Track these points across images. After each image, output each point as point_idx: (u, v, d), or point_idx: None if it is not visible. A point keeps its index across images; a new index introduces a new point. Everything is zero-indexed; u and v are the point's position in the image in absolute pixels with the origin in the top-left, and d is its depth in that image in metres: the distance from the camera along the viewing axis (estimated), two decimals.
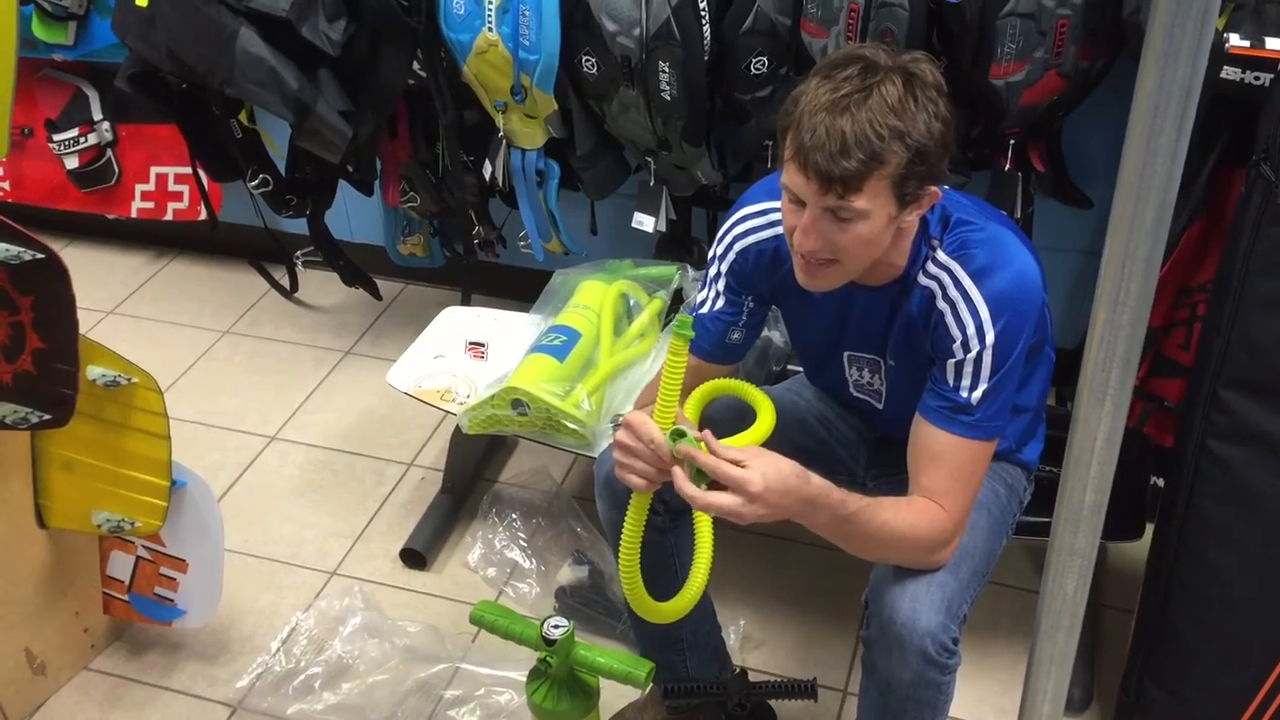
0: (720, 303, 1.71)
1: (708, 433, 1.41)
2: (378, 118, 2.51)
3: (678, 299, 2.37)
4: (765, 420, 1.49)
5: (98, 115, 3.13)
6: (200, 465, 2.11)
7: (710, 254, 1.72)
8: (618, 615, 2.21)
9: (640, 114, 2.26)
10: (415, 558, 2.41)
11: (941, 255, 1.52)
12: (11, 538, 2.03)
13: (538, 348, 2.22)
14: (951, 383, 1.51)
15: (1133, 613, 1.94)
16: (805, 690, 1.86)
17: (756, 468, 1.37)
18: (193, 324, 3.19)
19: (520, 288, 2.73)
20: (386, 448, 2.74)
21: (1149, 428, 2.19)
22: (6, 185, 3.30)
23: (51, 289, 1.77)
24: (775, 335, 2.21)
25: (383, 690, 2.12)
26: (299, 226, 2.95)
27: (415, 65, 2.43)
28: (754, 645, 2.21)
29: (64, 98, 3.13)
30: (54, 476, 2.02)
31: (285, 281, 3.22)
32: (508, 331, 2.43)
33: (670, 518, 1.75)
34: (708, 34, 2.13)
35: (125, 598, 2.19)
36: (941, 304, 1.52)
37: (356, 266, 3.02)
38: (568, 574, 2.34)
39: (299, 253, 3.11)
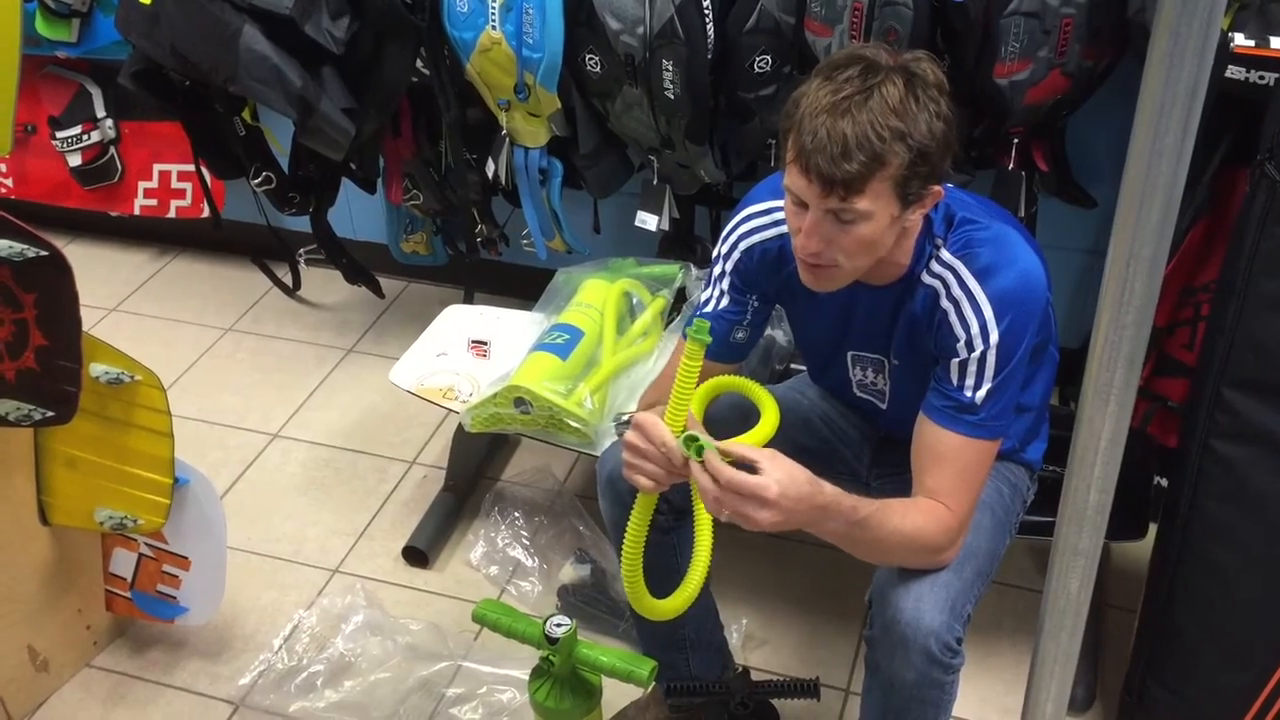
0: (724, 302, 1.71)
1: (736, 445, 1.40)
2: (381, 116, 2.52)
3: (681, 298, 2.37)
4: (769, 419, 1.49)
5: (101, 112, 3.13)
6: (203, 463, 2.11)
7: (714, 253, 1.72)
8: (620, 614, 2.21)
9: (644, 112, 2.26)
10: (417, 556, 2.41)
11: (945, 254, 1.52)
12: (14, 535, 2.03)
13: (540, 346, 2.22)
14: (955, 382, 1.51)
15: (1136, 612, 1.93)
16: (807, 689, 1.86)
17: (771, 473, 1.37)
18: (195, 321, 3.20)
19: (523, 286, 2.74)
20: (389, 446, 2.74)
21: (1153, 427, 2.18)
22: (10, 182, 3.31)
23: (54, 286, 1.77)
24: (778, 334, 2.21)
25: (385, 688, 2.12)
26: (302, 224, 2.95)
27: (419, 63, 2.43)
28: (756, 644, 2.21)
29: (67, 95, 3.13)
30: (57, 474, 2.03)
31: (288, 279, 3.22)
32: (510, 330, 2.43)
33: (673, 517, 1.75)
34: (711, 32, 2.13)
35: (128, 595, 2.19)
36: (945, 303, 1.51)
37: (359, 264, 3.02)
38: (570, 572, 2.34)
39: (302, 250, 3.12)
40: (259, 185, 2.75)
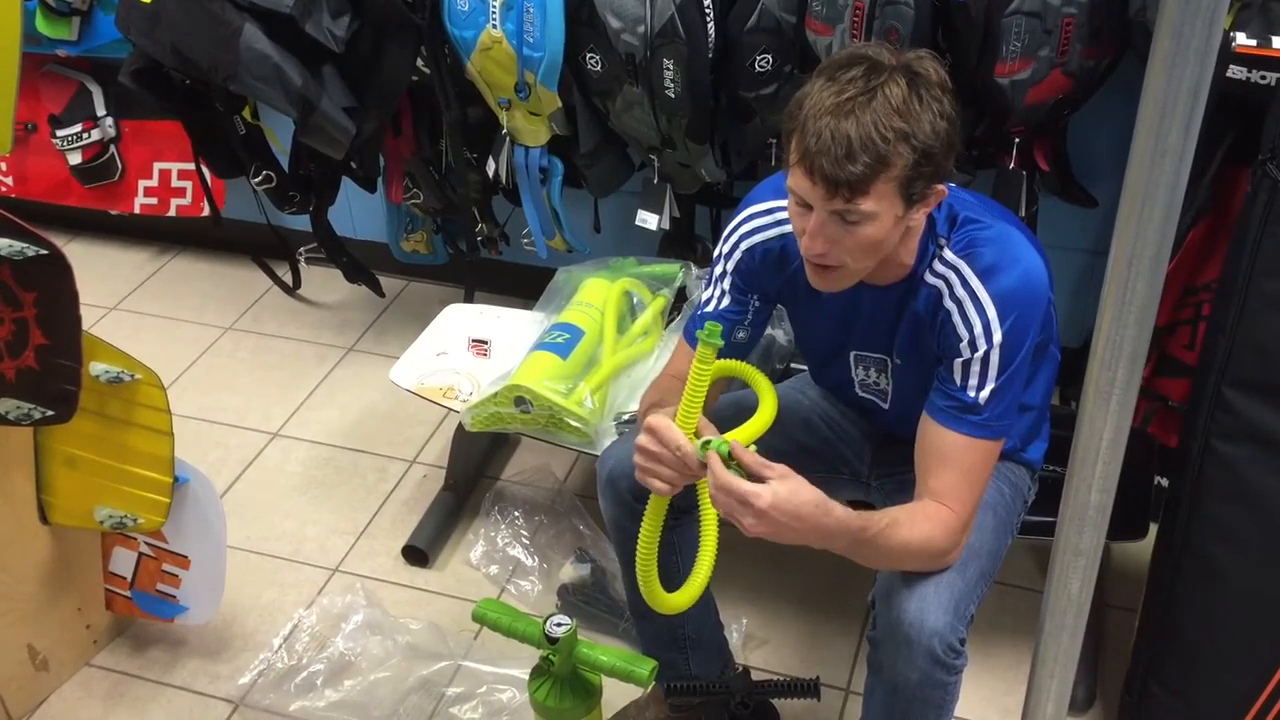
0: (726, 301, 1.71)
1: (751, 454, 1.41)
2: (381, 114, 2.51)
3: (681, 297, 2.37)
4: (765, 409, 1.50)
5: (101, 111, 3.13)
6: (203, 462, 2.11)
7: (716, 252, 1.72)
8: (620, 613, 2.21)
9: (644, 111, 2.26)
10: (417, 555, 2.41)
11: (949, 254, 1.52)
12: (14, 534, 2.03)
13: (541, 345, 2.22)
14: (959, 382, 1.51)
15: (1136, 612, 1.93)
16: (808, 689, 1.86)
17: (770, 486, 1.38)
18: (196, 320, 3.19)
19: (523, 285, 2.73)
20: (389, 445, 2.74)
21: (1153, 427, 2.18)
22: (10, 181, 3.30)
23: (55, 285, 1.77)
24: (779, 334, 2.20)
25: (385, 687, 2.12)
26: (302, 223, 2.95)
27: (419, 62, 2.43)
28: (757, 644, 2.21)
29: (68, 93, 3.13)
30: (57, 472, 2.02)
31: (288, 278, 3.21)
32: (511, 329, 2.43)
33: (673, 516, 1.75)
34: (712, 31, 2.13)
35: (127, 594, 2.19)
36: (948, 303, 1.51)
37: (359, 263, 3.02)
38: (570, 572, 2.34)
39: (302, 249, 3.11)
40: (259, 184, 2.75)
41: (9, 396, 1.85)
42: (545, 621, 1.79)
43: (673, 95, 2.19)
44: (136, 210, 3.26)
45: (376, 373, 2.83)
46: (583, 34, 2.24)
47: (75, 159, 3.16)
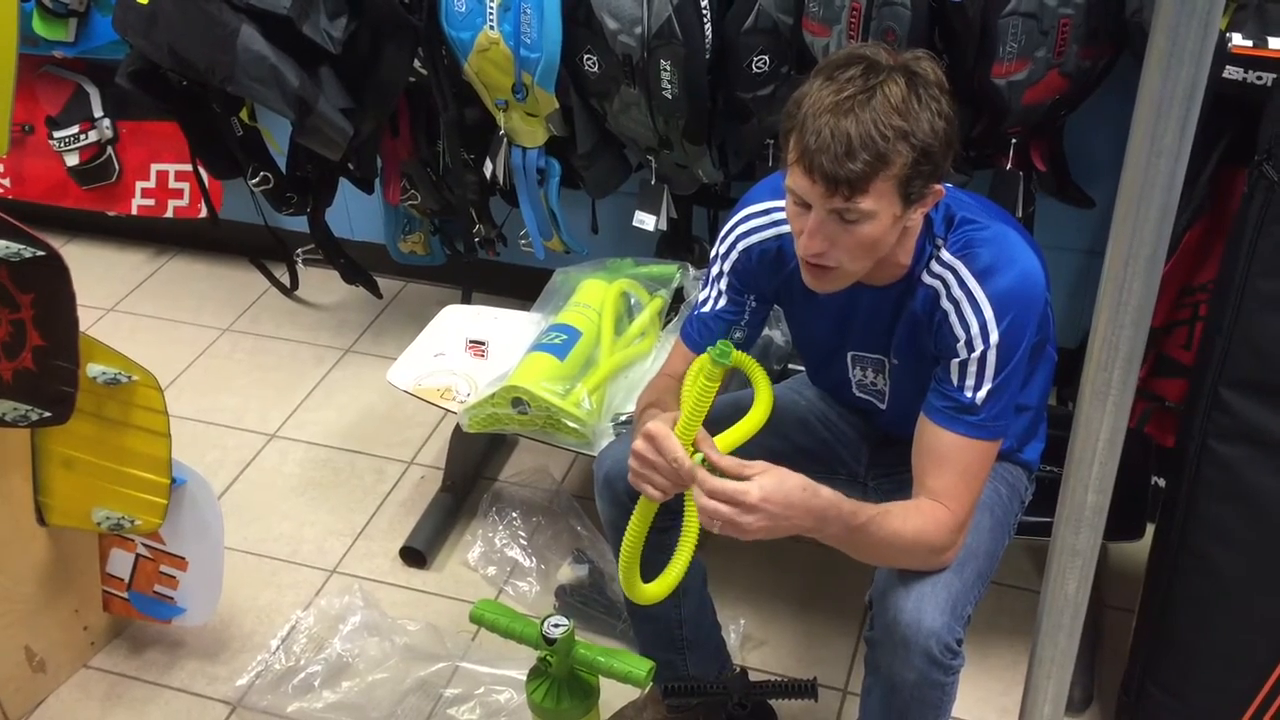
0: (722, 301, 1.71)
1: (727, 459, 1.42)
2: (379, 115, 2.51)
3: (678, 297, 2.37)
4: (761, 404, 1.51)
5: (98, 112, 3.13)
6: (200, 463, 2.11)
7: (713, 253, 1.72)
8: (618, 614, 2.21)
9: (641, 112, 2.26)
10: (415, 556, 2.40)
11: (946, 254, 1.52)
12: (11, 535, 2.03)
13: (538, 346, 2.22)
14: (956, 382, 1.51)
15: (1133, 613, 1.94)
16: (805, 690, 1.86)
17: (756, 481, 1.38)
18: (193, 321, 3.19)
19: (521, 286, 2.73)
20: (387, 446, 2.74)
21: (1150, 428, 2.18)
22: (7, 182, 3.30)
23: (52, 286, 1.77)
24: (776, 334, 2.20)
25: (383, 689, 2.12)
26: (299, 224, 2.95)
27: (416, 63, 2.43)
28: (754, 644, 2.21)
29: (65, 95, 3.13)
30: (54, 474, 2.02)
31: (286, 279, 3.21)
32: (508, 330, 2.43)
33: (669, 517, 1.75)
34: (709, 32, 2.13)
35: (125, 595, 2.19)
36: (945, 303, 1.51)
37: (357, 264, 3.02)
38: (568, 573, 2.34)
39: (299, 250, 3.11)
40: (256, 185, 2.75)
41: (6, 398, 1.85)
42: (543, 622, 1.79)
43: (670, 96, 2.19)
44: (134, 211, 3.26)
45: (374, 374, 2.83)
46: (580, 35, 2.24)
47: (72, 160, 3.15)
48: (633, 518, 1.52)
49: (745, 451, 1.48)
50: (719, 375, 1.42)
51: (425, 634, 2.20)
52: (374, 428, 2.79)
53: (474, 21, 2.29)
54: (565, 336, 2.21)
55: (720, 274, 1.70)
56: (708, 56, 2.15)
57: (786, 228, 1.54)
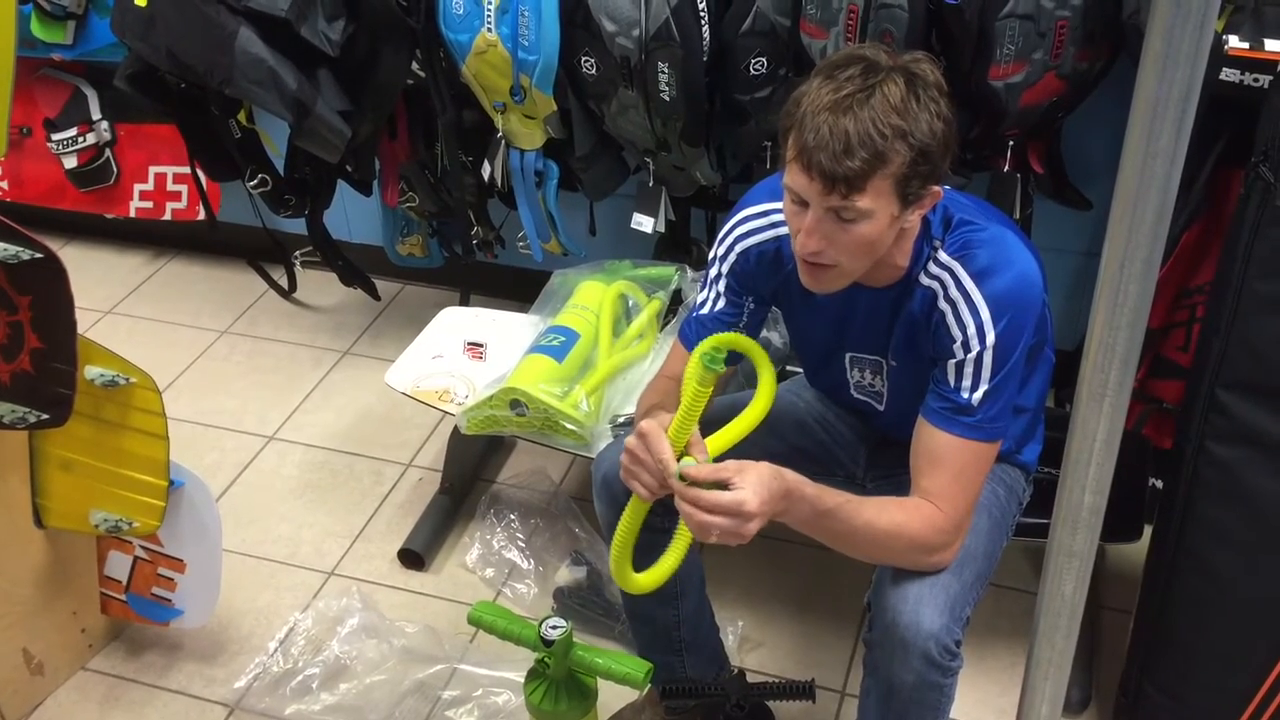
0: (721, 303, 1.71)
1: (705, 468, 1.43)
2: (377, 118, 2.52)
3: (676, 300, 2.37)
4: (762, 396, 1.51)
5: (96, 115, 3.13)
6: (198, 465, 2.11)
7: (711, 254, 1.72)
8: (616, 616, 2.21)
9: (639, 115, 2.26)
10: (413, 558, 2.40)
11: (943, 256, 1.52)
12: (9, 538, 2.02)
13: (536, 348, 2.22)
14: (952, 383, 1.51)
15: (1131, 614, 1.94)
16: (803, 691, 1.86)
17: (745, 485, 1.38)
18: (191, 324, 3.19)
19: (519, 288, 2.74)
20: (385, 448, 2.74)
21: (1148, 429, 2.19)
22: (5, 185, 3.30)
23: (50, 288, 1.77)
24: (774, 336, 2.20)
25: (380, 691, 2.12)
26: (297, 226, 2.95)
27: (414, 65, 2.43)
28: (752, 646, 2.21)
29: (63, 97, 3.13)
30: (52, 476, 2.02)
31: (284, 281, 3.21)
32: (506, 332, 2.43)
33: (666, 518, 1.75)
34: (707, 35, 2.13)
35: (123, 598, 2.19)
36: (943, 304, 1.52)
37: (355, 266, 3.02)
38: (566, 574, 2.34)
39: (297, 253, 3.11)
40: (254, 187, 2.75)
41: (4, 400, 1.85)
42: (541, 624, 1.78)
43: (668, 98, 2.19)
44: (132, 214, 3.26)
45: (372, 376, 2.83)
46: (578, 37, 2.24)
47: (70, 163, 3.15)
48: (625, 510, 1.52)
49: (743, 451, 1.48)
50: (711, 380, 1.42)
51: (423, 636, 2.20)
52: (372, 430, 2.79)
53: (472, 24, 2.29)
54: (563, 338, 2.21)
55: (718, 276, 1.70)
56: (705, 59, 2.15)
57: (785, 229, 1.54)
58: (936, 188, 1.45)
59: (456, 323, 2.51)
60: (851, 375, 1.75)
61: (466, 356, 2.40)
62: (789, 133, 1.40)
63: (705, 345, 1.42)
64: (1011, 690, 1.71)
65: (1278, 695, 1.78)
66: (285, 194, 2.78)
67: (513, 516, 2.46)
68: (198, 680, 2.20)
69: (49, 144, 3.13)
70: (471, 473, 2.61)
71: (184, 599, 2.14)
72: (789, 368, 2.21)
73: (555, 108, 2.37)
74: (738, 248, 1.68)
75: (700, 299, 1.74)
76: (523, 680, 1.88)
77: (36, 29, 2.83)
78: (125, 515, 2.02)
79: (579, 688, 1.83)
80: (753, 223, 1.67)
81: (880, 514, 1.49)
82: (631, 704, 2.03)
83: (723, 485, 1.40)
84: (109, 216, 3.30)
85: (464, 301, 2.91)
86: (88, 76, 3.11)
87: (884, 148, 1.35)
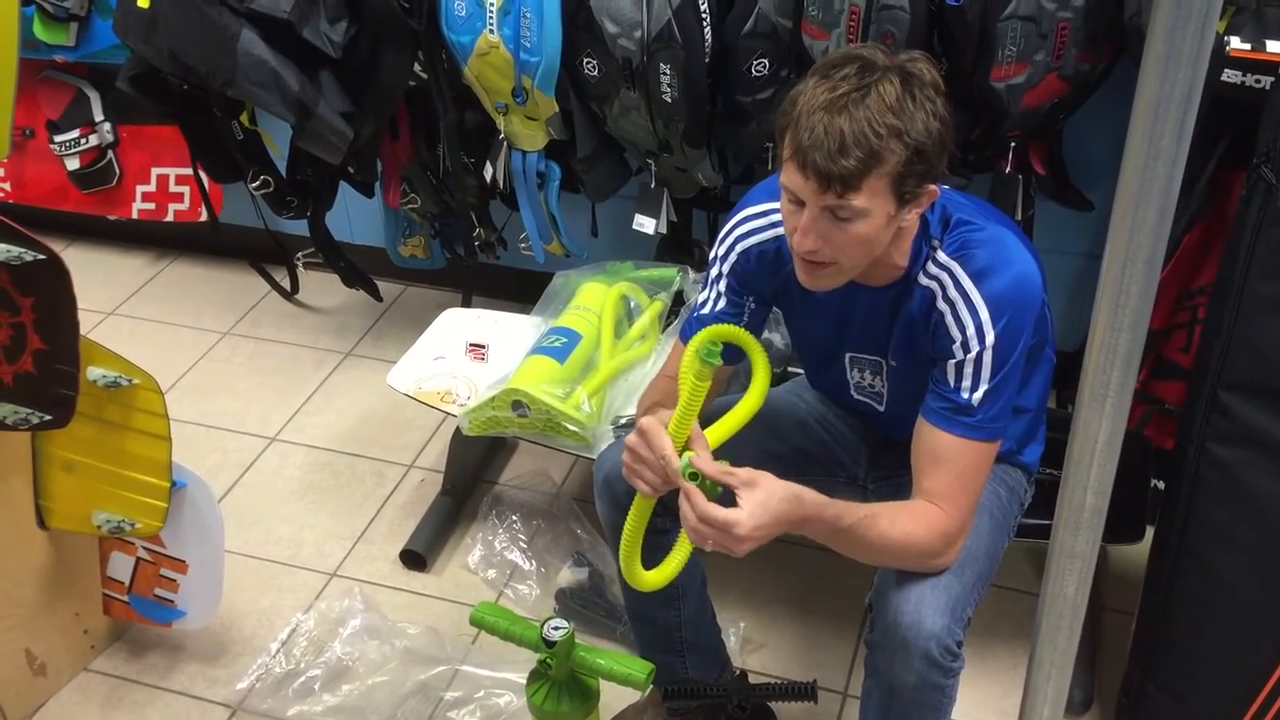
0: (721, 303, 1.71)
1: (713, 465, 1.43)
2: (379, 119, 2.52)
3: (678, 301, 2.37)
4: (757, 386, 1.51)
5: (99, 116, 3.13)
6: (201, 466, 2.11)
7: (711, 255, 1.72)
8: (618, 617, 2.21)
9: (641, 116, 2.26)
10: (415, 559, 2.41)
11: (942, 255, 1.53)
12: (12, 539, 2.03)
13: (538, 349, 2.22)
14: (952, 383, 1.52)
15: (1133, 615, 1.93)
16: (805, 692, 1.86)
17: (745, 505, 1.39)
18: (193, 325, 3.20)
19: (521, 289, 2.74)
20: (387, 449, 2.74)
21: (1149, 430, 2.18)
22: (8, 186, 3.31)
23: (52, 290, 1.77)
24: (775, 337, 2.21)
25: (382, 692, 2.12)
26: (300, 228, 2.95)
27: (416, 67, 2.43)
28: (754, 647, 2.21)
29: (65, 99, 3.13)
30: (54, 477, 2.02)
31: (286, 283, 3.22)
32: (508, 333, 2.43)
33: (669, 519, 1.75)
34: (709, 36, 2.14)
35: (125, 599, 2.19)
36: (942, 304, 1.52)
37: (357, 268, 3.02)
38: (568, 576, 2.34)
39: (300, 254, 3.12)
40: (257, 189, 2.75)
41: (7, 401, 1.85)
42: (543, 625, 1.79)
43: (669, 100, 2.19)
44: (134, 215, 3.26)
45: (374, 377, 2.83)
46: (580, 39, 2.24)
47: (73, 164, 3.16)
48: (631, 508, 1.53)
49: (744, 455, 1.49)
50: (708, 374, 1.42)
51: (425, 637, 2.20)
52: (374, 431, 2.79)
53: (474, 25, 2.29)
54: (565, 340, 2.21)
55: (719, 276, 1.71)
56: (707, 60, 2.15)
57: (784, 227, 1.54)
58: (933, 187, 1.45)
59: (458, 324, 2.51)
60: (851, 376, 1.75)
61: (468, 358, 2.41)
62: (785, 132, 1.41)
63: (700, 339, 1.43)
64: (1014, 691, 1.71)
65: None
66: (287, 195, 2.79)
67: (514, 518, 2.46)
68: (200, 681, 2.20)
69: (51, 146, 3.13)
70: (473, 474, 2.61)
71: (186, 600, 2.15)
72: (790, 369, 2.21)
73: (557, 109, 2.37)
74: (738, 247, 1.68)
75: (701, 299, 1.74)
76: (525, 681, 1.88)
77: (39, 31, 2.84)
78: (128, 516, 2.02)
79: (581, 689, 1.84)
80: (753, 223, 1.67)
81: (893, 525, 1.49)
82: (633, 705, 2.03)
83: (729, 489, 1.40)
84: (111, 218, 3.31)
85: (466, 303, 2.91)
86: (90, 78, 3.11)
87: (879, 147, 1.35)
